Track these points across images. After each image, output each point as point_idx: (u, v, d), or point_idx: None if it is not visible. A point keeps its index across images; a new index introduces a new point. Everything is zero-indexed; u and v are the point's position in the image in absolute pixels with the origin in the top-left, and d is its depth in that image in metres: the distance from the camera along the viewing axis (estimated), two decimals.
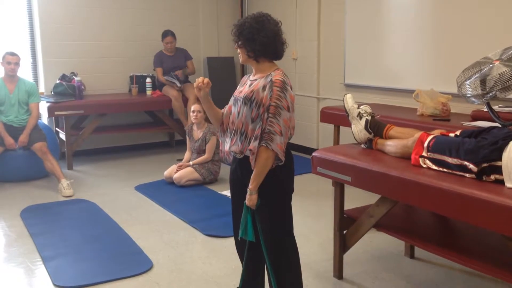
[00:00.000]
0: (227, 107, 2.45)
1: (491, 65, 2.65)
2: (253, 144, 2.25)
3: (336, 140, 4.85)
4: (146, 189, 4.96)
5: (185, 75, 6.44)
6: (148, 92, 6.42)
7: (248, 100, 2.28)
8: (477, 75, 2.68)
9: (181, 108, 6.22)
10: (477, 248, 2.52)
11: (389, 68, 5.15)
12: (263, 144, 2.22)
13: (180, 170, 5.06)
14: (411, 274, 3.15)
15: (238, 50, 2.37)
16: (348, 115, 2.96)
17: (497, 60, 2.67)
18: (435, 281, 3.05)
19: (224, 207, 4.27)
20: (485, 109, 3.19)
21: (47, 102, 5.63)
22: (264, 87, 2.26)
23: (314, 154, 3.00)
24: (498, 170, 2.19)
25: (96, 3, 6.29)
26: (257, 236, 2.35)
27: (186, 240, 3.72)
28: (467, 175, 2.29)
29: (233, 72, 7.31)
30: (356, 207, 3.15)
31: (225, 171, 5.04)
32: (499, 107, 3.76)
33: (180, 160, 5.44)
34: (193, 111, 5.13)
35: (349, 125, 2.98)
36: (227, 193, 4.55)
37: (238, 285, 2.55)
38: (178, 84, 6.23)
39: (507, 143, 2.20)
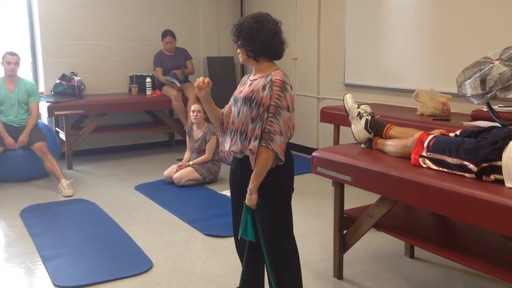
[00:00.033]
0: (227, 106, 2.45)
1: (491, 65, 2.65)
2: (253, 144, 2.25)
3: (336, 140, 4.85)
4: (146, 189, 4.96)
5: (184, 74, 6.43)
6: (148, 92, 6.42)
7: (248, 100, 2.28)
8: (477, 74, 2.67)
9: (181, 108, 6.22)
10: (477, 248, 2.52)
11: (389, 68, 5.15)
12: (263, 144, 2.22)
13: (180, 170, 5.06)
14: (411, 274, 3.15)
15: (238, 50, 2.37)
16: (348, 115, 2.96)
17: (497, 59, 2.67)
18: (435, 281, 3.05)
19: (224, 207, 4.27)
20: (485, 109, 3.19)
21: (47, 102, 5.63)
22: (264, 87, 2.26)
23: (314, 154, 3.00)
24: (498, 170, 2.19)
25: (96, 3, 6.29)
26: (257, 236, 2.35)
27: (186, 240, 3.72)
28: (467, 175, 2.29)
29: (233, 72, 7.31)
30: (356, 207, 3.15)
31: (225, 171, 5.04)
32: (499, 106, 3.76)
33: (180, 160, 5.44)
34: (193, 111, 5.13)
35: (349, 125, 2.98)
36: (227, 193, 4.55)
37: (238, 285, 2.55)
38: (178, 84, 6.23)
39: (507, 143, 2.20)
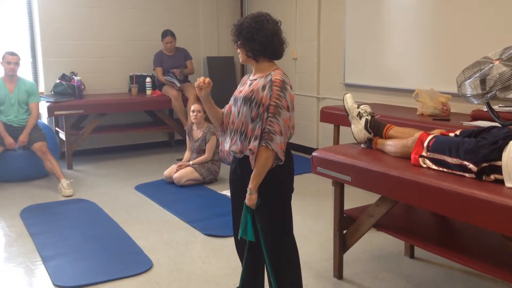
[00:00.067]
0: (227, 106, 2.45)
1: (491, 65, 2.65)
2: (253, 144, 2.25)
3: (336, 140, 4.85)
4: (146, 189, 4.96)
5: (183, 74, 6.43)
6: (148, 92, 6.42)
7: (248, 99, 2.28)
8: (477, 74, 2.67)
9: (181, 108, 6.22)
10: (477, 248, 2.52)
11: (389, 68, 5.15)
12: (263, 144, 2.22)
13: (180, 170, 5.06)
14: (411, 274, 3.15)
15: (238, 50, 2.37)
16: (348, 115, 2.96)
17: (497, 59, 2.67)
18: (435, 281, 3.05)
19: (224, 207, 4.27)
20: (485, 109, 3.19)
21: (47, 101, 5.63)
22: (263, 87, 2.26)
23: (314, 153, 3.00)
24: (498, 170, 2.19)
25: (96, 3, 6.29)
26: (257, 236, 2.35)
27: (186, 240, 3.72)
28: (467, 175, 2.29)
29: (233, 71, 7.31)
30: (356, 207, 3.15)
31: (225, 170, 5.04)
32: (499, 106, 3.76)
33: (180, 159, 5.44)
34: (193, 111, 5.13)
35: (349, 124, 2.98)
36: (227, 192, 4.55)
37: (238, 285, 2.55)
38: (178, 84, 6.23)
39: (507, 143, 2.20)
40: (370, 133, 2.86)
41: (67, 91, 5.90)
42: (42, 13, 5.99)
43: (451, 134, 2.53)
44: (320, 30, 6.05)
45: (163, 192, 4.88)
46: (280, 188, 2.36)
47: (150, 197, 4.70)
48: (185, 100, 6.24)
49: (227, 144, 2.41)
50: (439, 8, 4.59)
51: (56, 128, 6.10)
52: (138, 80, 6.49)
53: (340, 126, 4.79)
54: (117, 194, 4.82)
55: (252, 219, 2.33)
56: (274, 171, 2.28)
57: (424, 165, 2.47)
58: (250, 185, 2.28)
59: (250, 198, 2.29)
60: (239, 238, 2.40)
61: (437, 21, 4.62)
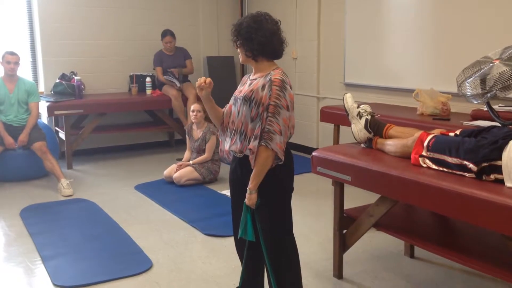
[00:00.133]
0: (227, 106, 2.45)
1: (491, 65, 2.65)
2: (253, 144, 2.25)
3: (336, 140, 4.85)
4: (145, 189, 4.96)
5: (182, 74, 6.42)
6: (148, 92, 6.42)
7: (248, 99, 2.28)
8: (477, 74, 2.67)
9: (180, 108, 6.22)
10: (477, 248, 2.52)
11: (389, 67, 5.15)
12: (262, 144, 2.22)
13: (180, 170, 5.05)
14: (411, 274, 3.15)
15: (238, 50, 2.37)
16: (348, 115, 2.95)
17: (497, 59, 2.67)
18: (435, 281, 3.05)
19: (223, 207, 4.27)
20: (485, 109, 3.18)
21: (47, 101, 5.63)
22: (263, 86, 2.26)
23: (314, 153, 3.00)
24: (498, 170, 2.19)
25: (96, 3, 6.29)
26: (256, 235, 2.35)
27: (186, 240, 3.72)
28: (467, 174, 2.29)
29: (233, 71, 7.31)
30: (356, 207, 3.15)
31: (225, 170, 5.04)
32: (499, 106, 3.76)
33: (180, 159, 5.44)
34: (193, 111, 5.13)
35: (349, 124, 2.98)
36: (227, 192, 4.55)
37: (238, 285, 2.55)
38: (178, 84, 6.23)
39: (507, 143, 2.20)
40: (370, 132, 2.86)
41: (67, 90, 5.90)
42: (42, 13, 5.99)
43: (451, 134, 2.52)
44: (320, 30, 6.05)
45: (163, 192, 4.88)
46: (280, 187, 2.35)
47: (150, 197, 4.70)
48: (185, 100, 6.24)
49: (227, 144, 2.41)
50: (439, 8, 4.59)
51: (56, 128, 6.09)
52: (138, 80, 6.49)
53: (340, 126, 4.79)
54: (117, 194, 4.82)
55: (252, 219, 2.33)
56: (274, 171, 2.28)
57: (424, 165, 2.47)
58: (250, 185, 2.28)
59: (250, 198, 2.29)
60: (239, 238, 2.39)
61: (437, 21, 4.62)
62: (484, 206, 2.08)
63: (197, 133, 5.18)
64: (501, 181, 2.18)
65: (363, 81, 5.46)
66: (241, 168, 2.37)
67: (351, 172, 2.72)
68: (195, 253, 3.49)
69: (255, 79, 2.34)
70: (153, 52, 6.43)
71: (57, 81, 5.99)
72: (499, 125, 2.69)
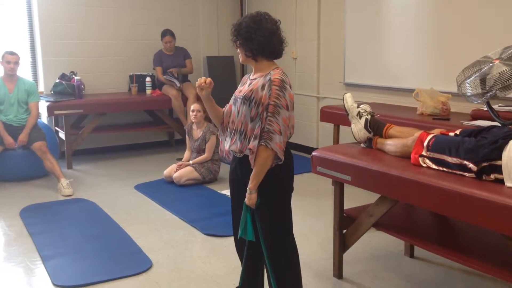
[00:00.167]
0: (227, 106, 2.45)
1: (491, 64, 2.65)
2: (253, 143, 2.25)
3: (336, 139, 4.85)
4: (145, 189, 4.95)
5: (181, 74, 6.42)
6: (148, 91, 6.42)
7: (248, 99, 2.28)
8: (477, 74, 2.67)
9: (180, 107, 6.22)
10: (477, 248, 2.52)
11: (389, 67, 5.15)
12: (262, 143, 2.22)
13: (180, 170, 5.05)
14: (411, 274, 3.15)
15: (238, 50, 2.37)
16: (347, 114, 2.95)
17: (497, 59, 2.67)
18: (435, 281, 3.05)
19: (223, 207, 4.27)
20: (485, 108, 3.18)
21: (47, 101, 5.63)
22: (263, 86, 2.26)
23: (313, 153, 3.00)
24: (498, 169, 2.19)
25: (96, 2, 6.29)
26: (256, 235, 2.35)
27: (186, 240, 3.72)
28: (467, 174, 2.29)
29: (233, 71, 7.31)
30: (356, 207, 3.15)
31: (224, 170, 5.04)
32: (499, 106, 3.76)
33: (180, 159, 5.44)
34: (193, 110, 5.13)
35: (348, 124, 2.98)
36: (227, 192, 4.55)
37: (237, 285, 2.55)
38: (178, 84, 6.22)
39: (507, 142, 2.20)
40: (370, 132, 2.86)
41: (66, 90, 5.90)
42: (41, 13, 5.98)
43: (451, 134, 2.52)
44: (320, 29, 6.05)
45: (162, 191, 4.88)
46: (280, 187, 2.35)
47: (150, 197, 4.70)
48: (185, 100, 6.24)
49: (227, 144, 2.41)
50: (439, 8, 4.59)
51: (56, 128, 6.09)
52: (138, 80, 6.49)
53: (340, 126, 4.79)
54: (117, 194, 4.82)
55: (252, 219, 2.33)
56: (274, 171, 2.28)
57: (424, 165, 2.47)
58: (249, 185, 2.28)
59: (250, 198, 2.28)
60: (238, 237, 2.39)
61: (437, 21, 4.62)
62: (484, 206, 2.08)
63: (197, 133, 5.18)
64: (501, 181, 2.18)
65: (363, 81, 5.46)
66: (241, 168, 2.37)
67: (351, 172, 2.72)
68: (195, 253, 3.49)
69: (255, 79, 2.34)
70: (153, 52, 6.43)
71: (57, 81, 5.99)
72: (499, 125, 2.69)
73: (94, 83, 6.37)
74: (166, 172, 5.16)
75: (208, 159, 5.11)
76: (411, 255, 3.37)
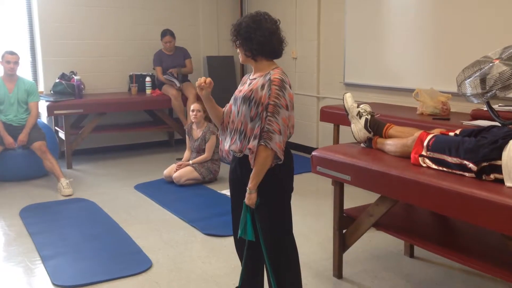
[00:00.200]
0: (228, 105, 2.45)
1: (491, 64, 2.65)
2: (252, 143, 2.24)
3: (336, 139, 4.85)
4: (145, 188, 4.95)
5: (181, 74, 6.42)
6: (148, 91, 6.42)
7: (247, 99, 2.28)
8: (477, 74, 2.67)
9: (180, 107, 6.22)
10: (476, 247, 2.52)
11: (389, 67, 5.15)
12: (262, 143, 2.21)
13: (180, 169, 5.05)
14: (411, 273, 3.15)
15: (238, 50, 2.37)
16: (347, 114, 2.95)
17: (497, 59, 2.67)
18: (435, 280, 3.05)
19: (223, 206, 4.27)
20: (485, 108, 3.18)
21: (47, 101, 5.63)
22: (262, 86, 2.25)
23: (313, 153, 3.00)
24: (498, 169, 2.19)
25: (96, 2, 6.29)
26: (256, 235, 2.35)
27: (186, 239, 3.72)
28: (466, 174, 2.29)
29: (232, 71, 7.31)
30: (356, 206, 3.15)
31: (224, 170, 5.04)
32: (499, 106, 3.76)
33: (180, 159, 5.44)
34: (193, 110, 5.12)
35: (348, 124, 2.98)
36: (227, 192, 4.54)
37: (237, 285, 2.55)
38: (178, 84, 6.22)
39: (507, 142, 2.20)
40: (370, 132, 2.86)
41: (66, 90, 5.90)
42: (41, 13, 5.98)
43: (451, 134, 2.52)
44: (320, 29, 6.05)
45: (162, 191, 4.88)
46: (279, 187, 2.35)
47: (150, 197, 4.70)
48: (184, 100, 6.24)
49: (227, 144, 2.41)
50: (439, 8, 4.59)
51: (56, 128, 6.09)
52: (137, 80, 6.49)
53: (340, 126, 4.79)
54: (117, 194, 4.82)
55: (251, 219, 2.33)
56: (274, 171, 2.28)
57: (424, 165, 2.47)
58: (249, 184, 2.28)
59: (250, 198, 2.28)
60: (238, 237, 2.39)
61: (437, 21, 4.62)
62: (484, 205, 2.08)
63: (197, 132, 5.18)
64: (501, 181, 2.18)
65: (363, 81, 5.46)
66: (240, 167, 2.37)
67: (351, 172, 2.72)
68: (194, 253, 3.49)
69: (255, 78, 2.34)
70: (153, 52, 6.43)
71: (57, 80, 5.99)
72: (499, 124, 2.69)
73: (94, 83, 6.37)
74: (166, 172, 5.16)
75: (208, 159, 5.11)
76: (411, 255, 3.37)
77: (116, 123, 6.48)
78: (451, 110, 4.14)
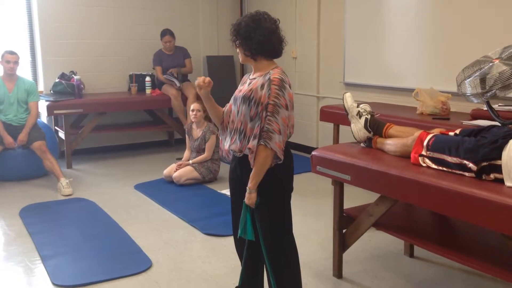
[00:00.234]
0: (228, 105, 2.45)
1: (490, 64, 2.65)
2: (252, 143, 2.24)
3: (336, 139, 4.84)
4: (145, 188, 4.95)
5: (181, 73, 6.42)
6: (148, 91, 6.42)
7: (247, 99, 2.28)
8: (477, 73, 2.67)
9: (180, 107, 6.21)
10: (476, 247, 2.52)
11: (389, 67, 5.15)
12: (261, 143, 2.21)
13: (180, 169, 5.05)
14: (411, 273, 3.15)
15: (238, 50, 2.37)
16: (347, 114, 2.95)
17: (496, 58, 2.67)
18: (435, 280, 3.05)
19: (223, 206, 4.27)
20: (485, 108, 3.18)
21: (46, 101, 5.63)
22: (262, 86, 2.25)
23: (313, 153, 2.99)
24: (498, 169, 2.19)
25: (96, 2, 6.29)
26: (256, 235, 2.35)
27: (186, 239, 3.72)
28: (466, 174, 2.29)
29: (232, 70, 7.31)
30: (356, 206, 3.15)
31: (224, 170, 5.04)
32: (499, 105, 3.76)
33: (180, 159, 5.44)
34: (193, 110, 5.12)
35: (348, 124, 2.98)
36: (227, 192, 4.54)
37: (237, 284, 2.55)
38: (177, 83, 6.22)
39: (506, 142, 2.20)
40: (369, 132, 2.86)
41: (66, 90, 5.90)
42: (41, 12, 5.98)
43: (451, 133, 2.52)
44: (320, 29, 6.05)
45: (162, 191, 4.88)
46: (279, 187, 2.35)
47: (150, 196, 4.70)
48: (184, 99, 6.24)
49: (227, 143, 2.41)
50: (439, 8, 4.58)
51: (56, 127, 6.09)
52: (137, 79, 6.49)
53: (340, 125, 4.79)
54: (117, 193, 4.82)
55: (251, 218, 2.33)
56: (274, 170, 2.28)
57: (424, 164, 2.47)
58: (249, 184, 2.28)
59: (250, 197, 2.28)
60: (238, 237, 2.39)
61: (437, 21, 4.62)
62: (483, 205, 2.08)
63: (197, 132, 5.18)
64: (501, 181, 2.18)
65: (363, 80, 5.46)
66: (240, 167, 2.37)
67: (351, 172, 2.72)
68: (194, 253, 3.49)
69: (255, 78, 2.34)
70: (153, 52, 6.42)
71: (57, 80, 5.98)
72: (499, 124, 2.69)
73: (93, 82, 6.37)
74: (165, 171, 5.16)
75: (208, 159, 5.10)
76: (411, 255, 3.37)
77: (116, 122, 6.48)
78: (451, 110, 4.13)
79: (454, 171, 2.34)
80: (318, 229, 3.88)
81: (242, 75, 7.20)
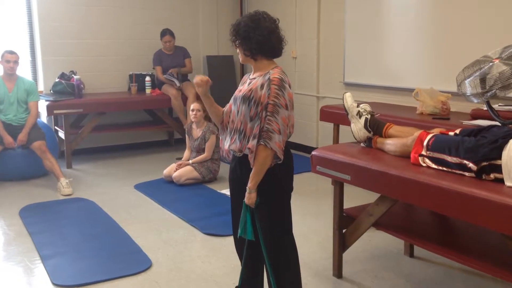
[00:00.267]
0: (228, 105, 2.45)
1: (490, 64, 2.65)
2: (252, 143, 2.24)
3: (336, 139, 4.84)
4: (145, 188, 4.95)
5: (181, 73, 6.42)
6: (148, 91, 6.42)
7: (247, 98, 2.28)
8: (477, 73, 2.67)
9: (180, 107, 6.21)
10: (476, 247, 2.52)
11: (389, 67, 5.15)
12: (261, 143, 2.21)
13: (180, 169, 5.05)
14: (411, 273, 3.15)
15: (237, 50, 2.37)
16: (347, 114, 2.95)
17: (496, 58, 2.67)
18: (435, 280, 3.05)
19: (223, 206, 4.27)
20: (485, 108, 3.18)
21: (46, 100, 5.63)
22: (262, 86, 2.25)
23: (313, 153, 2.99)
24: (498, 169, 2.19)
25: (95, 2, 6.29)
26: (256, 234, 2.35)
27: (185, 239, 3.71)
28: (466, 173, 2.29)
29: (232, 70, 7.31)
30: (356, 206, 3.15)
31: (224, 169, 5.04)
32: (499, 105, 3.76)
33: (180, 158, 5.44)
34: (193, 110, 5.12)
35: (348, 123, 2.98)
36: (227, 191, 4.54)
37: (237, 284, 2.55)
38: (177, 83, 6.22)
39: (506, 142, 2.20)
40: (369, 132, 2.86)
41: (66, 90, 5.89)
42: (41, 12, 5.98)
43: (451, 133, 2.52)
44: (320, 29, 6.05)
45: (162, 191, 4.88)
46: (279, 187, 2.35)
47: (150, 196, 4.70)
48: (184, 99, 6.24)
49: (227, 143, 2.41)
50: (439, 8, 4.58)
51: (56, 127, 6.09)
52: (137, 79, 6.49)
53: (340, 125, 4.79)
54: (117, 193, 4.82)
55: (251, 218, 2.33)
56: (273, 170, 2.28)
57: (424, 164, 2.47)
58: (249, 184, 2.28)
59: (249, 197, 2.28)
60: (238, 237, 2.39)
61: (437, 21, 4.61)
62: (483, 205, 2.08)
63: (197, 132, 5.18)
64: (501, 180, 2.18)
65: (363, 80, 5.46)
66: (240, 167, 2.37)
67: (351, 172, 2.72)
68: (194, 253, 3.49)
69: (254, 78, 2.34)
70: (153, 51, 6.42)
71: (57, 80, 5.98)
72: (499, 124, 2.69)
73: (93, 82, 6.37)
74: (165, 171, 5.16)
75: (208, 159, 5.10)
76: (411, 255, 3.37)
77: (116, 122, 6.48)
78: (451, 110, 4.13)
79: (454, 171, 2.34)
80: (318, 229, 3.88)
81: (242, 75, 7.20)
